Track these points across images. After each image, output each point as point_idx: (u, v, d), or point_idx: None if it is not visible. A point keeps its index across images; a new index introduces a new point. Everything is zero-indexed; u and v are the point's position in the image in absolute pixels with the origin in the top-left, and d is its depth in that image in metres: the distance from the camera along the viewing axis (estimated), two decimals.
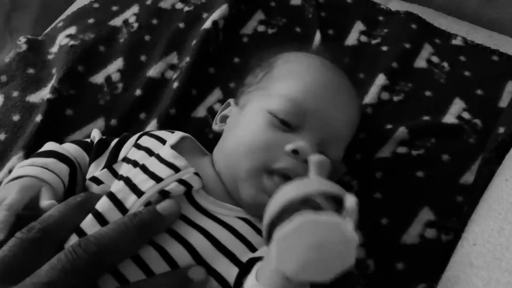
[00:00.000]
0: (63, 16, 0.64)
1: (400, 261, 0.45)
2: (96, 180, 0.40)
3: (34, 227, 0.30)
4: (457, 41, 0.62)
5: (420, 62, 0.59)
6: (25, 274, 0.28)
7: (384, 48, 0.61)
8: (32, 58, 0.57)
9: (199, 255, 0.34)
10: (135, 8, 0.62)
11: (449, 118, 0.54)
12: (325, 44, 0.59)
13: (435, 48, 0.61)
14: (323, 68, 0.45)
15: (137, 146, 0.42)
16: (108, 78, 0.56)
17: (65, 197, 0.37)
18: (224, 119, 0.47)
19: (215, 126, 0.48)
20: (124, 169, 0.40)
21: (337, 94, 0.44)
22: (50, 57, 0.58)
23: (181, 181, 0.36)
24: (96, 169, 0.42)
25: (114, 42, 0.59)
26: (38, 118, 0.51)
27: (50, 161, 0.41)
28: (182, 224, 0.35)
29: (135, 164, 0.39)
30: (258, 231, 0.38)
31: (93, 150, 0.44)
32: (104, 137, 0.46)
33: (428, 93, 0.57)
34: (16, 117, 0.52)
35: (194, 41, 0.57)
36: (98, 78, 0.55)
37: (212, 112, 0.54)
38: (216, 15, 0.58)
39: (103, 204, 0.34)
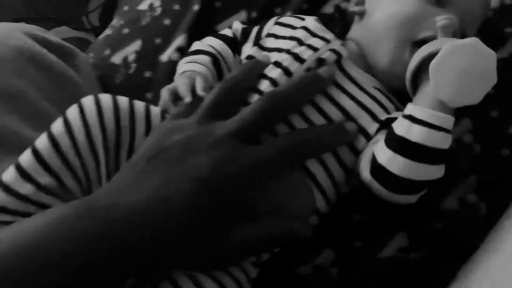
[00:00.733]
0: None
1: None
2: (251, 57, 0.48)
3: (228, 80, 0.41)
4: None
5: None
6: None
7: None
8: None
9: (348, 113, 0.42)
10: None
11: None
12: None
13: None
14: None
15: (279, 23, 0.49)
16: None
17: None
18: (359, 3, 0.52)
19: (354, 8, 0.52)
20: (275, 43, 0.47)
21: None
22: None
23: (333, 51, 0.44)
24: (246, 50, 0.51)
25: None
26: (195, 7, 0.61)
27: (197, 57, 0.50)
28: (333, 87, 0.43)
29: (285, 38, 0.46)
30: (390, 99, 0.45)
31: (240, 37, 0.52)
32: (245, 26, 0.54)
33: None
34: (176, 6, 0.63)
35: None
36: None
37: (338, 9, 0.61)
38: None
39: (274, 71, 0.42)
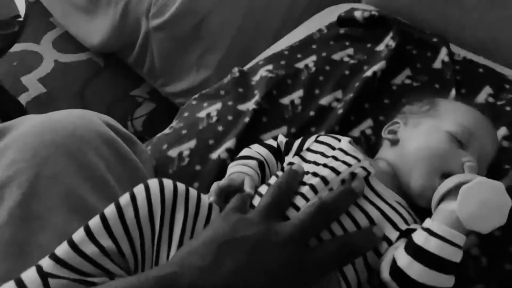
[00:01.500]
0: (261, 57, 0.91)
1: None
2: (291, 163, 0.56)
3: (280, 185, 0.49)
4: None
5: None
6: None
7: (508, 108, 0.75)
8: (241, 81, 0.83)
9: (373, 221, 0.49)
10: (313, 57, 0.86)
11: None
12: (458, 99, 0.76)
13: None
14: (477, 111, 0.62)
15: (318, 141, 0.59)
16: (292, 101, 0.79)
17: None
18: (391, 132, 0.64)
19: (388, 136, 0.63)
20: (313, 156, 0.56)
21: (489, 129, 0.61)
22: (253, 83, 0.83)
23: (363, 168, 0.52)
24: (288, 159, 0.61)
25: (298, 78, 0.82)
26: (246, 119, 0.74)
27: (247, 161, 0.59)
28: (362, 199, 0.50)
29: (322, 154, 0.56)
30: (409, 212, 0.53)
31: (284, 148, 0.62)
32: (288, 139, 0.65)
33: None
34: (230, 117, 0.77)
35: (357, 84, 0.79)
36: (285, 100, 0.79)
37: (364, 134, 0.74)
38: (376, 67, 0.80)
39: (313, 179, 0.50)
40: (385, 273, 0.46)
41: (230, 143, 0.71)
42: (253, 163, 0.60)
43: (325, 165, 0.53)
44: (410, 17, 0.98)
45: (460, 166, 0.54)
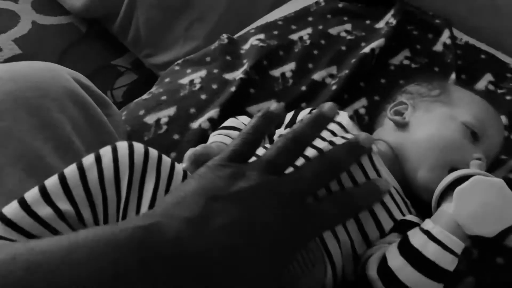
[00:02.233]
0: (253, 25, 0.85)
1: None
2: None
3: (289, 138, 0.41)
4: None
5: None
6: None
7: (508, 98, 0.72)
8: (230, 49, 0.77)
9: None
10: (309, 30, 0.81)
11: None
12: (458, 84, 0.72)
13: None
14: (487, 103, 0.58)
15: None
16: (283, 74, 0.73)
17: None
18: (397, 113, 0.58)
19: (395, 117, 0.57)
20: None
21: (500, 124, 0.57)
22: (242, 52, 0.77)
23: None
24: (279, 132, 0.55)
25: (291, 50, 0.77)
26: (232, 89, 0.69)
27: (230, 132, 0.55)
28: (362, 175, 0.45)
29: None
30: (404, 201, 0.48)
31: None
32: None
33: None
34: (214, 86, 0.71)
35: (353, 60, 0.73)
36: (276, 72, 0.73)
37: (357, 114, 0.69)
38: (374, 44, 0.75)
39: (323, 144, 0.46)
40: (372, 270, 0.42)
41: (213, 112, 0.66)
42: (237, 134, 0.54)
43: (323, 139, 0.47)
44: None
45: (469, 162, 0.49)
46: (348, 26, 0.81)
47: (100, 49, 1.51)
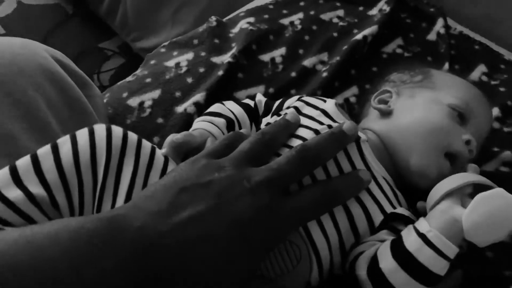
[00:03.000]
0: (243, 9, 0.82)
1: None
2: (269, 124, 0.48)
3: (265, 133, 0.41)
4: None
5: None
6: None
7: (502, 89, 0.70)
8: (219, 32, 0.74)
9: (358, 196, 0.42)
10: (300, 15, 0.78)
11: None
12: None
13: None
14: (471, 84, 0.57)
15: (303, 101, 0.51)
16: (272, 59, 0.71)
17: None
18: (381, 101, 0.56)
19: (379, 106, 0.55)
20: None
21: (486, 105, 0.56)
22: (231, 35, 0.75)
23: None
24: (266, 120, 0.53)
25: (281, 35, 0.75)
26: (220, 73, 0.66)
27: (214, 118, 0.53)
28: (344, 158, 0.43)
29: (310, 117, 0.47)
30: (394, 192, 0.46)
31: (264, 109, 0.55)
32: (267, 99, 0.57)
33: None
34: (201, 69, 0.69)
35: (345, 47, 0.71)
36: (265, 57, 0.71)
37: (347, 102, 0.67)
38: (367, 31, 0.72)
39: (307, 133, 0.44)
40: (362, 271, 0.40)
41: (199, 96, 0.63)
42: (221, 121, 0.53)
43: (307, 127, 0.45)
44: None
45: (462, 144, 0.49)
46: (340, 12, 0.79)
47: (87, 31, 1.47)
